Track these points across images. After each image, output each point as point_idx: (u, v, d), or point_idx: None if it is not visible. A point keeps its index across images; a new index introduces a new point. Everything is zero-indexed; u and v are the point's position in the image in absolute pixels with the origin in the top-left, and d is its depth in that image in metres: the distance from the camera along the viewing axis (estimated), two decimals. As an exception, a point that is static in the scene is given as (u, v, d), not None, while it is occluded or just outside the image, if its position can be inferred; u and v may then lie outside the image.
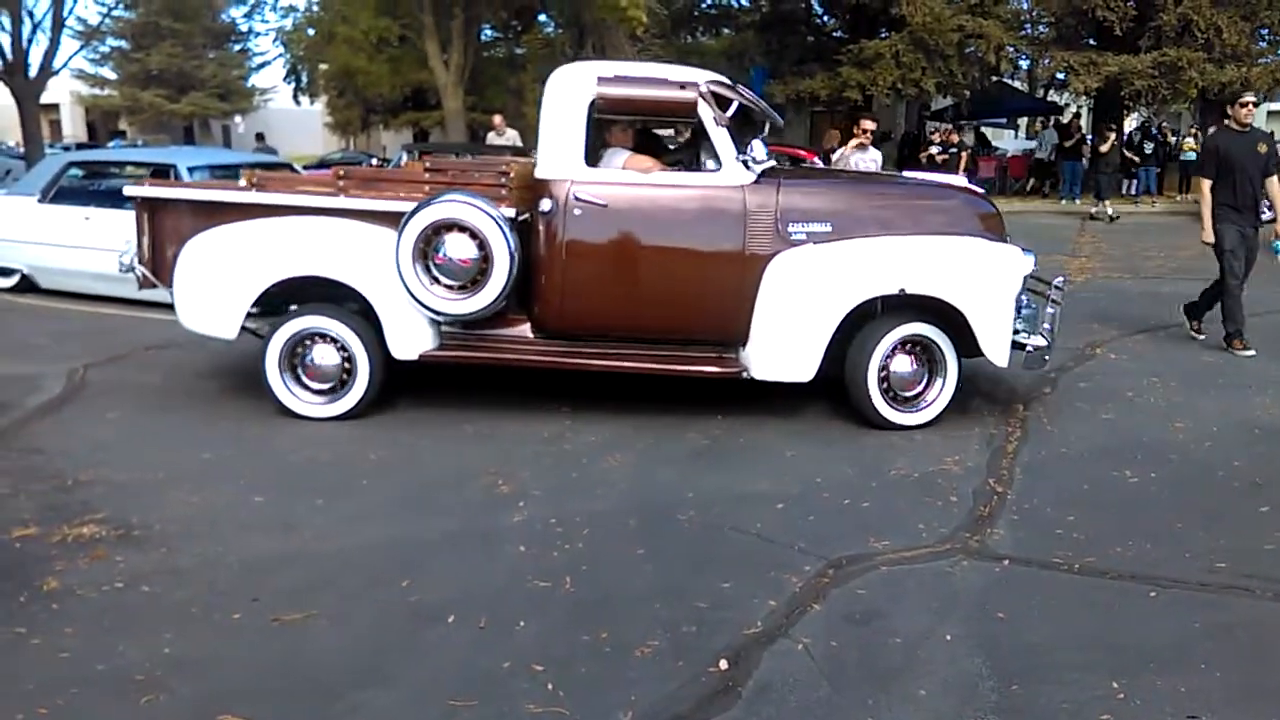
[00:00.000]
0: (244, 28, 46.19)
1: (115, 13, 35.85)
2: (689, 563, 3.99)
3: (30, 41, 17.17)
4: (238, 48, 46.52)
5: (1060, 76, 24.03)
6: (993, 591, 3.80)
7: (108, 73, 44.24)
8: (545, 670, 3.18)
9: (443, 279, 5.58)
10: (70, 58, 22.12)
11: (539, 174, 5.76)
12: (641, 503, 4.63)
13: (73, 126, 45.89)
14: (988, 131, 29.63)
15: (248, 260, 5.77)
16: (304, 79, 36.50)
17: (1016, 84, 27.73)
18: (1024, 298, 5.95)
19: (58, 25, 17.47)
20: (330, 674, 3.17)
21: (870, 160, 9.27)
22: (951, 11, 22.19)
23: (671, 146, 7.25)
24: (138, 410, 5.95)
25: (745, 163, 5.66)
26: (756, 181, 5.70)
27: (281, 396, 5.82)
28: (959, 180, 7.10)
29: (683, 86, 5.61)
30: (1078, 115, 25.33)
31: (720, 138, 5.66)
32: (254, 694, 3.04)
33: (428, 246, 5.54)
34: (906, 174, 8.32)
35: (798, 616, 3.56)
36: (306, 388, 5.86)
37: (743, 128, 6.20)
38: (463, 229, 5.51)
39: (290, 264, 5.72)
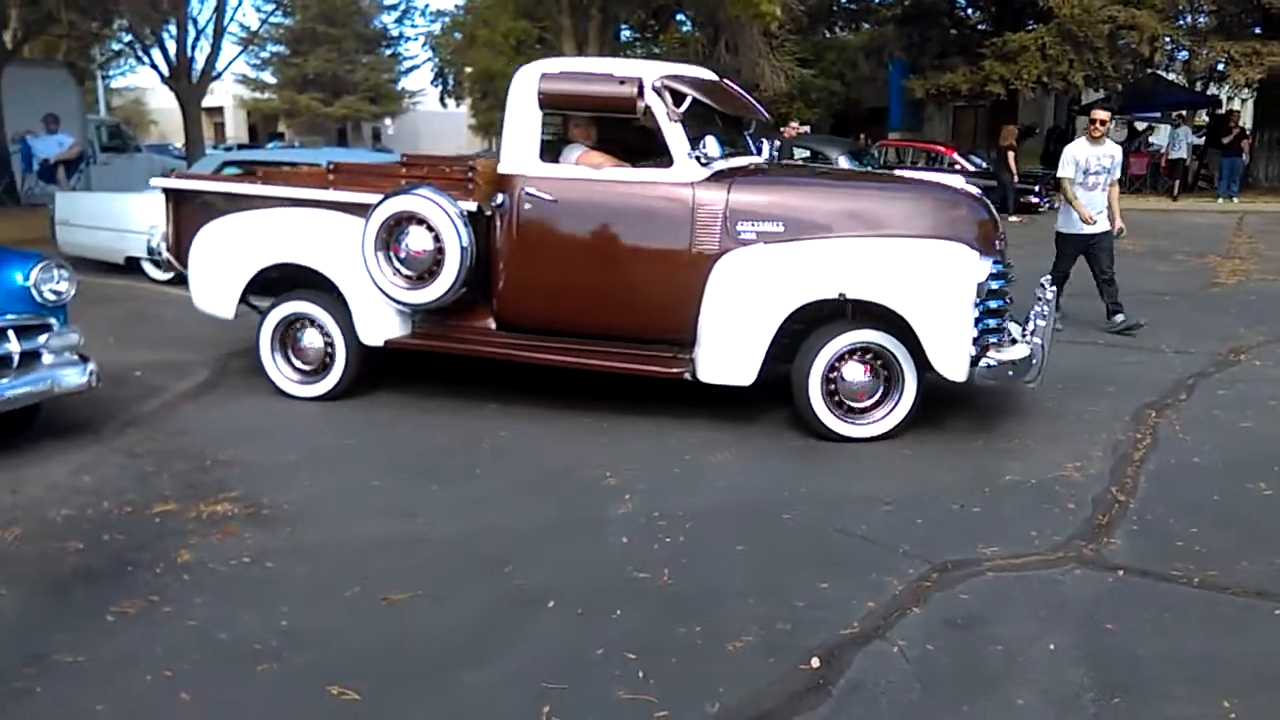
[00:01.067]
0: (395, 33, 47.71)
1: (275, 20, 37.79)
2: (789, 561, 3.98)
3: (194, 48, 18.21)
4: (389, 52, 48.18)
5: (1220, 68, 22.73)
6: (1104, 602, 3.67)
7: (268, 77, 46.48)
8: (637, 659, 3.24)
9: (402, 269, 5.80)
10: (230, 63, 23.31)
11: (499, 170, 5.89)
12: (745, 500, 4.64)
13: (235, 129, 48.29)
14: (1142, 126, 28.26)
15: (241, 247, 6.26)
16: (450, 82, 37.62)
17: (1171, 76, 26.37)
18: (995, 305, 5.49)
19: (219, 32, 18.50)
20: (431, 652, 3.30)
21: (1108, 155, 8.24)
22: (1102, 2, 21.27)
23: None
24: (275, 396, 6.25)
25: (698, 159, 5.54)
26: (708, 179, 5.60)
27: (271, 374, 6.25)
28: (954, 180, 6.41)
29: (623, 82, 5.56)
30: (1235, 111, 23.94)
31: (672, 133, 5.59)
32: (360, 668, 3.19)
33: (390, 237, 5.78)
34: (897, 173, 7.87)
35: (896, 619, 3.52)
36: (295, 368, 6.25)
37: (731, 125, 6.29)
38: (420, 221, 5.72)
39: (274, 252, 6.16)
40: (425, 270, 5.76)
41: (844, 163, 16.10)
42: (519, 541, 4.16)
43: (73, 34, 18.62)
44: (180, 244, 6.61)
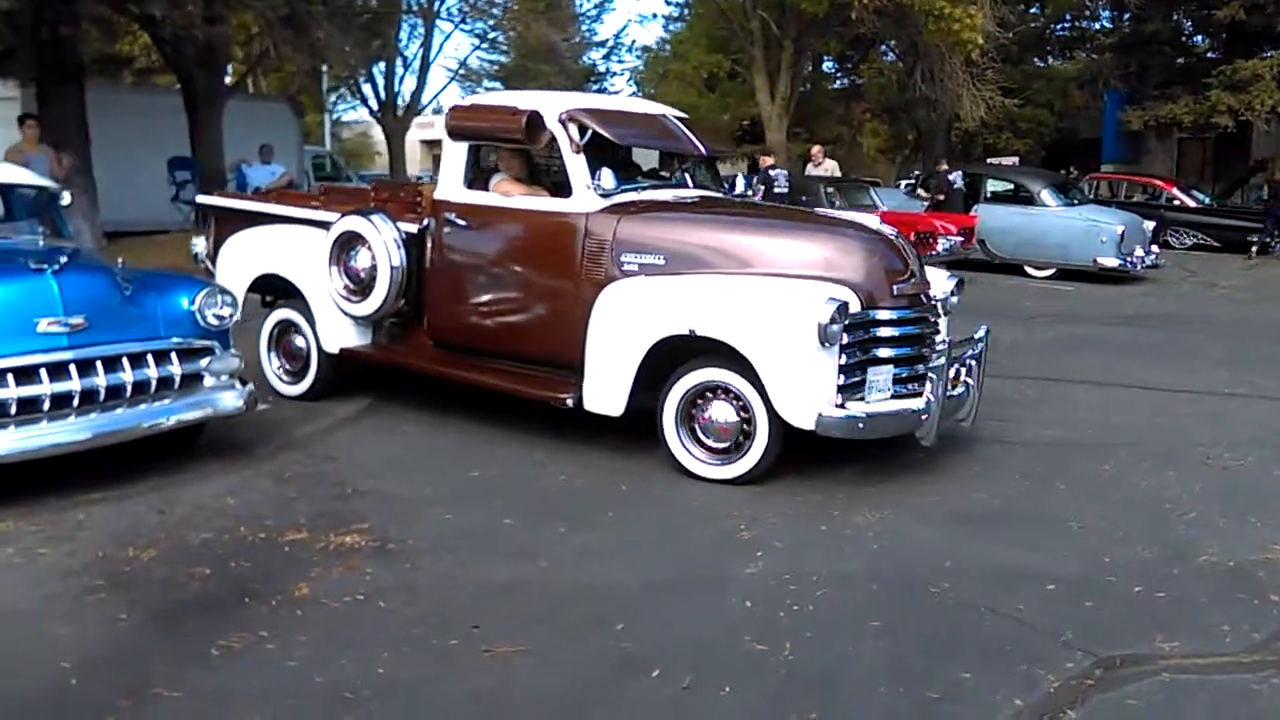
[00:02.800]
0: (601, 69, 48.88)
1: (490, 57, 39.54)
2: (929, 642, 3.57)
3: (399, 84, 19.11)
4: (595, 88, 49.35)
5: None
6: (1308, 724, 3.09)
7: (483, 111, 48.28)
8: (740, 746, 2.93)
9: (349, 283, 6.33)
10: (434, 98, 24.37)
11: (434, 195, 6.29)
12: (890, 567, 4.23)
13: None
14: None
15: (244, 258, 6.96)
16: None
17: None
18: (887, 353, 5.20)
19: (424, 69, 19.36)
20: (526, 714, 3.10)
21: None
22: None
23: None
24: (431, 425, 6.26)
25: (596, 190, 5.62)
26: (603, 210, 5.64)
27: (266, 373, 6.83)
28: (869, 220, 5.96)
29: (515, 114, 5.75)
30: None
31: (573, 164, 5.72)
32: (446, 726, 3.02)
33: (343, 253, 6.33)
34: (818, 211, 7.48)
35: (1046, 723, 3.07)
36: (286, 369, 6.86)
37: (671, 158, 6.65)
38: (363, 241, 6.21)
39: (263, 263, 6.85)
40: (365, 285, 6.26)
41: (1047, 197, 15.21)
42: (636, 596, 3.93)
43: (300, 71, 19.88)
44: (215, 253, 7.39)
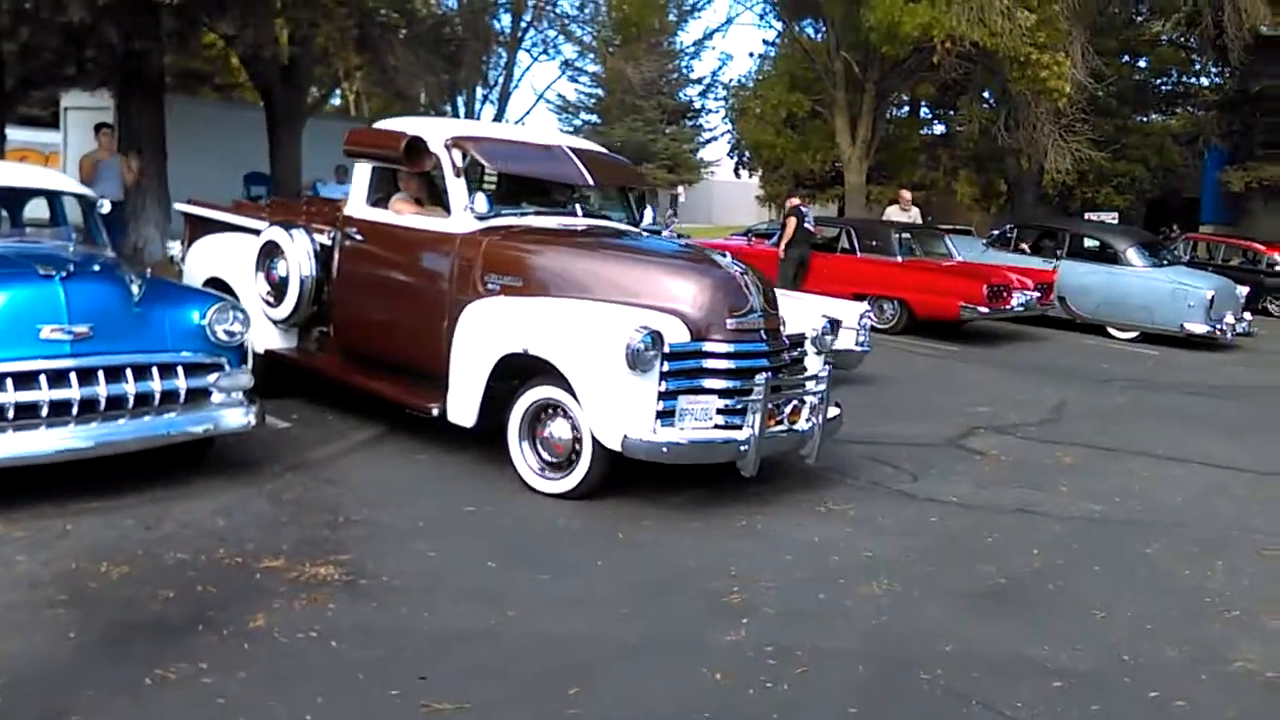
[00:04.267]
0: (698, 105, 49.01)
1: (589, 90, 40.14)
2: (906, 736, 3.26)
3: (478, 112, 19.26)
4: (690, 124, 49.49)
5: None
6: None
7: (578, 144, 48.85)
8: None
9: (270, 289, 6.75)
10: (518, 121, 24.48)
11: (344, 210, 6.67)
12: (884, 647, 3.91)
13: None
14: None
15: (200, 262, 7.57)
16: (746, 154, 38.01)
17: None
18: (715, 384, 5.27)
19: (504, 97, 19.51)
20: (447, 782, 2.88)
21: None
22: None
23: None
24: (443, 453, 6.08)
25: (471, 212, 5.94)
26: (476, 232, 5.93)
27: None
28: (722, 257, 5.87)
29: (397, 137, 6.17)
30: None
31: (454, 187, 6.07)
32: (358, 788, 2.81)
33: (267, 261, 6.76)
34: (692, 244, 7.55)
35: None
36: None
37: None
38: (280, 250, 6.66)
39: (211, 267, 7.39)
40: (281, 292, 6.69)
41: (1133, 256, 14.58)
42: (601, 657, 3.68)
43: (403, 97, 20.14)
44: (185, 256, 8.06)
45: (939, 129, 28.56)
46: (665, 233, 7.40)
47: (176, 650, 3.51)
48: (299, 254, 6.62)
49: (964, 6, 14.77)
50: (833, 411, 5.91)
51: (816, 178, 29.72)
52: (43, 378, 4.72)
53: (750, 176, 40.26)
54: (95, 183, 11.03)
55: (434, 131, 6.27)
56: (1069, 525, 5.55)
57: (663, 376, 5.11)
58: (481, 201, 5.98)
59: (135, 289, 5.31)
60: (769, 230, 16.24)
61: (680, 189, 50.88)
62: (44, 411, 4.72)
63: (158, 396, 5.06)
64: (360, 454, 6.13)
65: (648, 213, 7.19)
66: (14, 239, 6.07)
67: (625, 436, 5.06)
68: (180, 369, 5.16)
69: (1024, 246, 15.70)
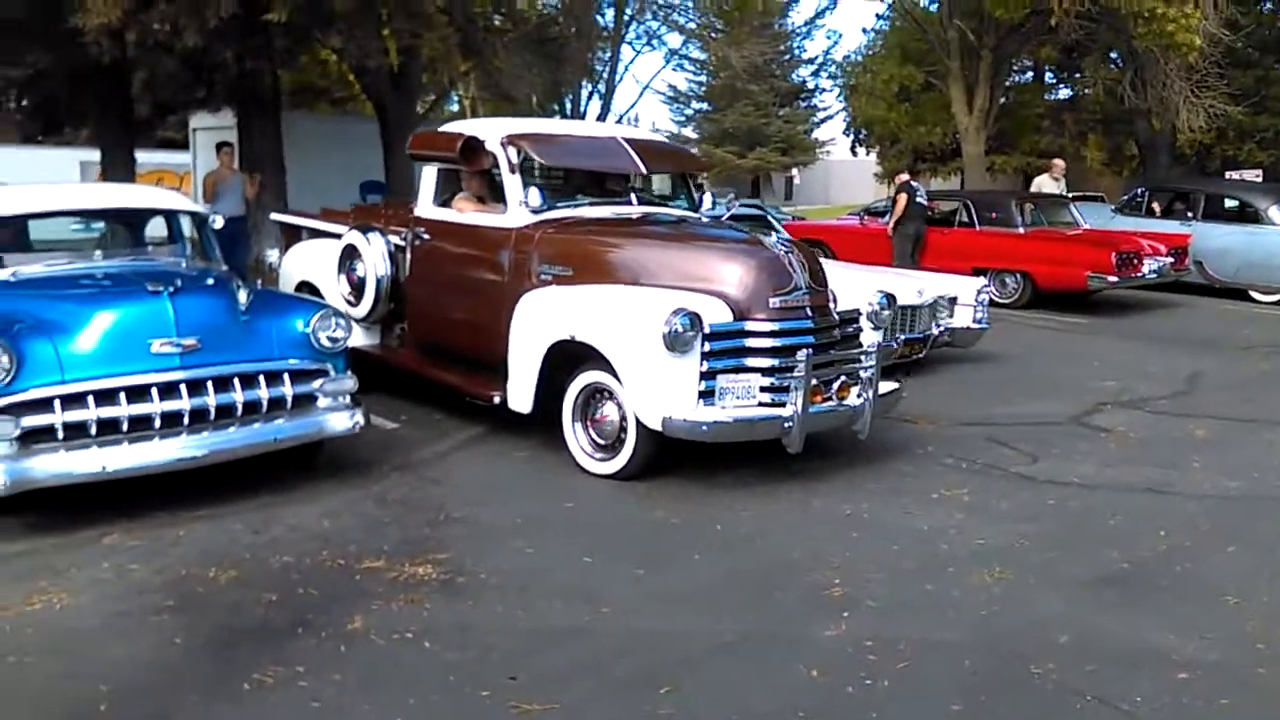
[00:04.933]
0: (811, 85, 48.24)
1: (699, 78, 39.92)
2: (1014, 735, 3.07)
3: (585, 105, 19.34)
4: (804, 105, 48.78)
5: None
6: None
7: (689, 132, 48.83)
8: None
9: (350, 289, 7.10)
10: (620, 117, 24.48)
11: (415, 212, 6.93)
12: (994, 639, 3.72)
13: (659, 181, 50.85)
14: None
15: (292, 267, 8.01)
16: (862, 131, 37.28)
17: None
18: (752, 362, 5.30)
19: (609, 90, 19.53)
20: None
21: None
22: None
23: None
24: (543, 450, 6.08)
25: (526, 206, 6.13)
26: (530, 225, 6.11)
27: None
28: (768, 237, 6.07)
29: (453, 139, 6.52)
30: None
31: (510, 183, 6.27)
32: (442, 791, 2.80)
33: (346, 264, 7.13)
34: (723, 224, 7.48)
35: None
36: None
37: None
38: (358, 252, 7.00)
39: (301, 272, 7.81)
40: (359, 292, 7.02)
41: (1276, 214, 13.65)
42: (694, 654, 3.60)
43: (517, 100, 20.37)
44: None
45: (1065, 93, 27.34)
46: (724, 217, 7.46)
47: (276, 654, 3.58)
48: (375, 255, 6.97)
49: (1082, -37, 14.04)
50: (889, 387, 5.91)
51: (937, 151, 28.79)
52: (154, 390, 4.89)
53: (867, 154, 39.44)
54: (217, 200, 11.49)
55: (490, 131, 6.54)
56: (1201, 504, 5.21)
57: (704, 356, 5.19)
58: (535, 195, 6.16)
59: (242, 300, 5.47)
60: (883, 208, 15.79)
61: (795, 171, 50.28)
62: (157, 423, 4.90)
63: (265, 404, 5.19)
64: (464, 452, 6.19)
65: (706, 198, 7.34)
66: (132, 257, 6.34)
67: (666, 416, 5.16)
68: (286, 376, 5.28)
69: (1156, 210, 14.88)
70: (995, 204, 13.58)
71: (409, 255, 6.91)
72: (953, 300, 8.89)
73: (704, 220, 6.96)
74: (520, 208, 6.20)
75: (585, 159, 6.81)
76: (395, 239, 7.03)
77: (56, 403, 4.69)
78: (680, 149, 8.13)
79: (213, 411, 5.02)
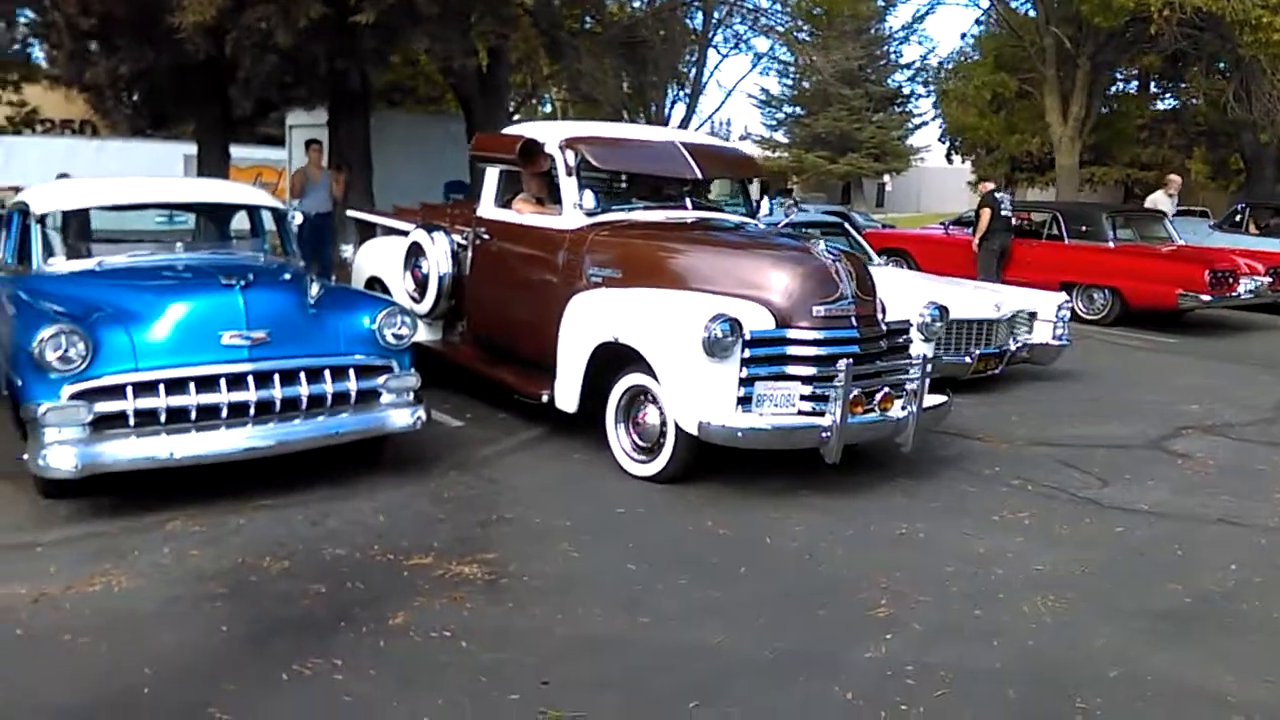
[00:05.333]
0: (906, 91, 47.47)
1: (793, 83, 39.59)
2: (1049, 772, 2.98)
3: (669, 110, 19.36)
4: (899, 110, 48.03)
5: None
6: None
7: (780, 137, 48.52)
8: None
9: (414, 286, 7.31)
10: (705, 121, 24.43)
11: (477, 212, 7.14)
12: (1039, 670, 3.61)
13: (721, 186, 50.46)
14: None
15: (364, 263, 8.31)
16: (956, 138, 36.61)
17: None
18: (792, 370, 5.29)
19: (695, 94, 19.50)
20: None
21: None
22: None
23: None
24: (601, 452, 6.09)
25: (580, 208, 6.24)
26: (583, 227, 6.22)
27: None
28: (817, 245, 5.84)
29: (513, 142, 6.65)
30: None
31: (566, 186, 6.37)
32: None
33: (411, 261, 7.33)
34: (777, 229, 7.57)
35: None
36: None
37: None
38: (423, 250, 7.19)
39: (371, 267, 8.12)
40: (423, 288, 7.22)
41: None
42: (729, 671, 3.56)
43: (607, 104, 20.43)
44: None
45: (1168, 103, 26.44)
46: (782, 223, 7.47)
47: (317, 646, 3.65)
48: (438, 253, 7.16)
49: (1185, -31, 13.56)
50: (936, 399, 5.87)
51: (1035, 159, 28.07)
52: (223, 381, 5.02)
53: (963, 162, 38.72)
54: (304, 196, 11.80)
55: (550, 134, 6.65)
56: (1275, 538, 4.98)
57: (744, 363, 5.22)
58: (589, 198, 6.28)
59: (313, 295, 5.59)
60: (970, 219, 15.47)
61: (887, 177, 49.51)
62: (224, 413, 5.04)
63: (329, 398, 5.29)
64: (523, 453, 6.24)
65: (764, 204, 7.43)
66: (212, 250, 6.55)
67: (703, 421, 5.19)
68: (352, 371, 5.38)
69: (1256, 227, 14.30)
70: (1085, 217, 13.21)
71: (470, 254, 7.12)
72: (1032, 315, 8.68)
73: (759, 226, 6.98)
74: (575, 210, 6.32)
75: (641, 163, 6.86)
76: (459, 238, 7.22)
77: (129, 390, 4.84)
78: (738, 154, 8.12)
79: (278, 404, 5.14)
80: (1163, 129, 24.25)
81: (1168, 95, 25.94)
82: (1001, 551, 4.74)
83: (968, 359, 7.98)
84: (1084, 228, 12.89)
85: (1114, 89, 22.60)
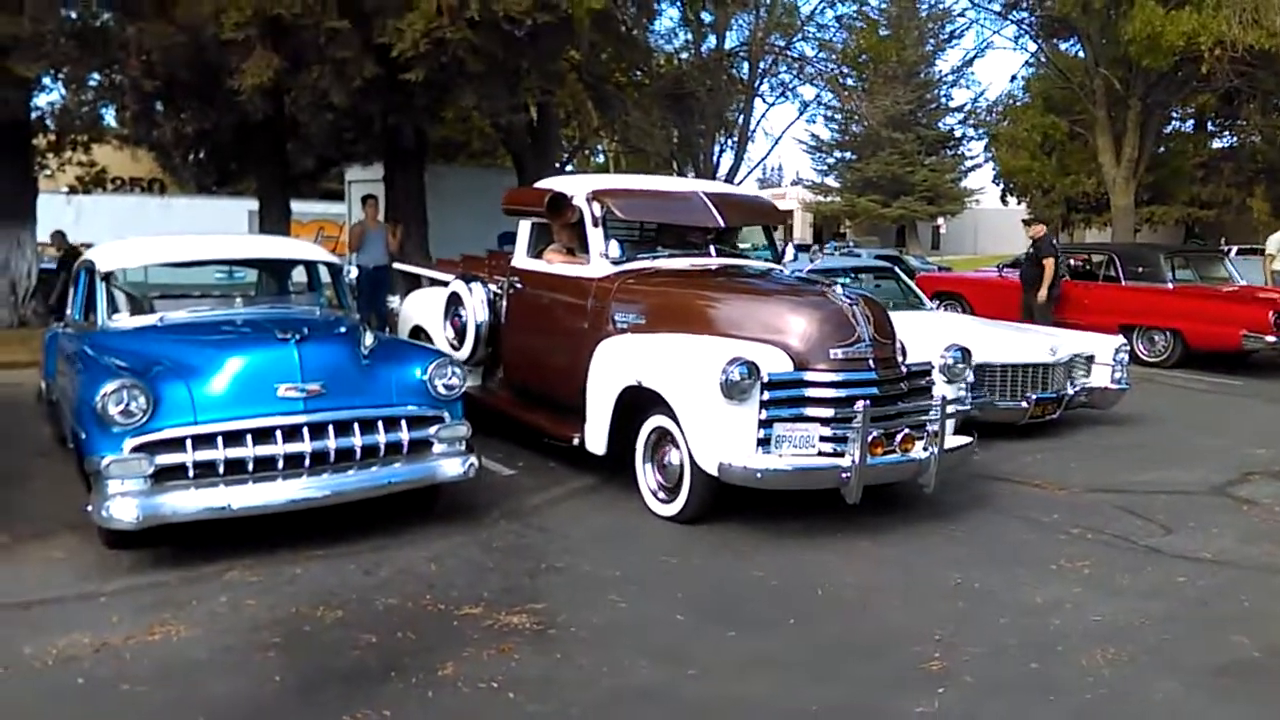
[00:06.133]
0: (958, 134, 47.37)
1: (843, 129, 39.68)
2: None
3: (718, 158, 19.51)
4: (951, 153, 47.92)
5: None
6: None
7: (831, 182, 48.61)
8: None
9: (454, 334, 7.64)
10: (752, 170, 24.51)
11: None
12: (1096, 726, 3.51)
13: (801, 230, 50.59)
14: None
15: (408, 314, 8.65)
16: (1011, 181, 36.38)
17: None
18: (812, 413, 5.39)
19: (742, 142, 19.63)
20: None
21: None
22: None
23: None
24: (643, 505, 6.10)
25: (606, 257, 6.46)
26: (610, 275, 6.45)
27: None
28: (834, 289, 5.97)
29: (541, 195, 6.87)
30: None
31: (593, 236, 6.59)
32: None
33: (452, 309, 7.67)
34: (802, 276, 7.61)
35: None
36: None
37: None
38: (461, 300, 7.54)
39: (415, 317, 8.42)
40: (462, 336, 7.54)
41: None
42: (767, 724, 3.52)
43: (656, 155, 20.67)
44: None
45: (1224, 141, 26.06)
46: (805, 270, 7.64)
47: (366, 696, 3.68)
48: (475, 302, 7.52)
49: (1235, 8, 13.43)
50: (959, 440, 5.91)
51: (1091, 200, 27.72)
52: (279, 433, 5.12)
53: (1018, 203, 38.40)
54: (361, 250, 12.05)
55: (577, 186, 6.90)
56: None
57: (763, 405, 5.33)
58: (614, 248, 6.51)
59: (366, 346, 5.70)
60: (1021, 260, 15.31)
61: (941, 220, 49.28)
62: (280, 464, 5.14)
63: (383, 448, 5.38)
64: (574, 501, 6.27)
65: (789, 250, 7.68)
66: (270, 305, 6.72)
67: (723, 462, 5.31)
68: (403, 422, 5.46)
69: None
70: (1142, 258, 13.02)
71: (505, 303, 7.41)
72: (1090, 359, 8.55)
73: (784, 272, 7.11)
74: (601, 259, 6.54)
75: (665, 213, 7.09)
76: (495, 287, 7.53)
77: (188, 442, 4.96)
78: (761, 202, 8.36)
79: (333, 454, 5.23)
80: (1220, 167, 23.88)
81: (1225, 133, 25.62)
82: (1059, 602, 4.64)
83: (1023, 404, 7.88)
84: (1140, 269, 12.70)
85: (1169, 128, 22.33)
